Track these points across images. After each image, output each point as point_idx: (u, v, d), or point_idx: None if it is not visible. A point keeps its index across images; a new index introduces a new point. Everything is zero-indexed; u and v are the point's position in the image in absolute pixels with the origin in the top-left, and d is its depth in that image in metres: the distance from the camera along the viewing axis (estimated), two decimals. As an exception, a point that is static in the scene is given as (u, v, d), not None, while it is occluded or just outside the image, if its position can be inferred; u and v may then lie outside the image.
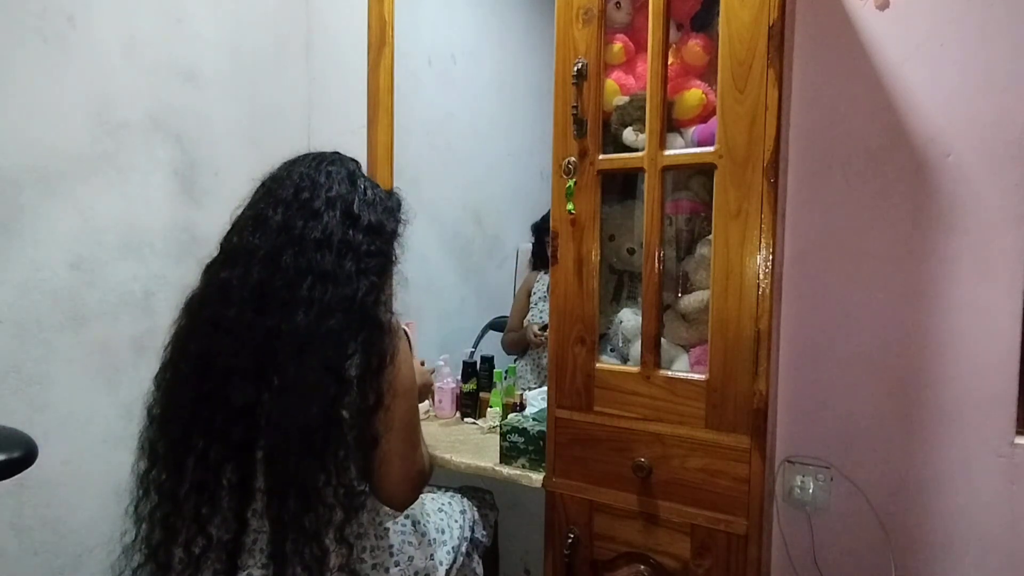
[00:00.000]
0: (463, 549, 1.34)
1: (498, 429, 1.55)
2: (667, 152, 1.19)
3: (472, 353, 1.98)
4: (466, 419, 1.83)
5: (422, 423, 1.21)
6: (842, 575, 1.43)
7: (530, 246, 2.11)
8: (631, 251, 1.37)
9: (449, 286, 2.06)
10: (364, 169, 1.89)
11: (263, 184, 1.13)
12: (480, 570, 1.41)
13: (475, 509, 1.47)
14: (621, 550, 1.24)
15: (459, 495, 1.49)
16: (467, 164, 2.22)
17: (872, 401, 1.39)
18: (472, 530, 1.40)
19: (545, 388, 1.37)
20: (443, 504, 1.40)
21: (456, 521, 1.37)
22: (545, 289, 1.95)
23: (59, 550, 1.49)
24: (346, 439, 1.01)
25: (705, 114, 1.23)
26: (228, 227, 1.12)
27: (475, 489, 1.59)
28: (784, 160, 1.38)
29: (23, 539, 1.43)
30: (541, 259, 2.04)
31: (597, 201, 1.24)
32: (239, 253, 1.05)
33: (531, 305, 2.05)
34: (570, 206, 1.25)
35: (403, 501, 1.15)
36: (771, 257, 1.09)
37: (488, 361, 1.87)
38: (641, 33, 1.25)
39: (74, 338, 1.50)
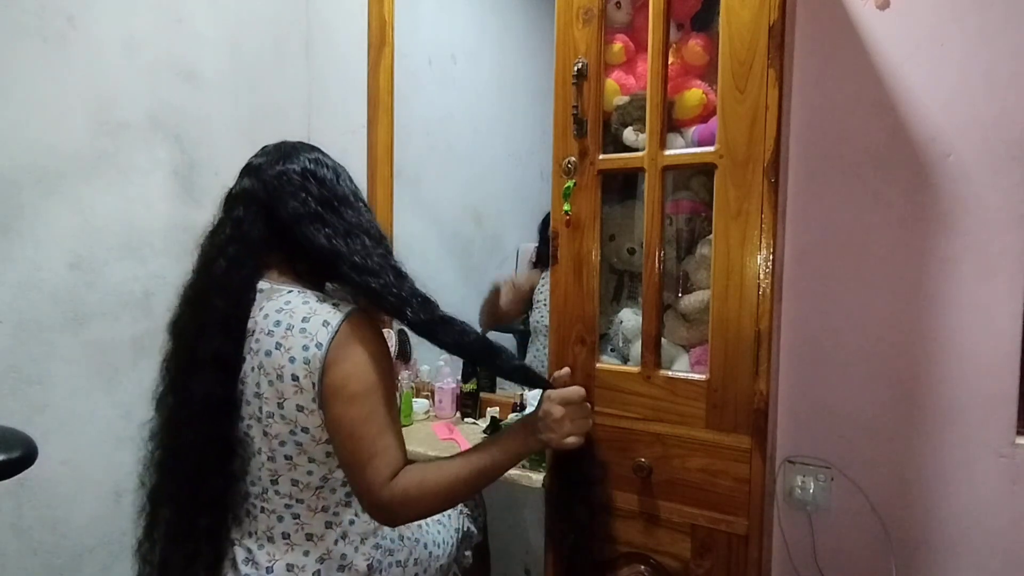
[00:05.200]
0: (455, 539, 1.35)
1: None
2: (667, 152, 1.19)
3: (472, 353, 1.97)
4: (466, 419, 1.83)
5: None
6: (843, 575, 1.43)
7: (530, 246, 2.11)
8: (631, 251, 1.37)
9: (449, 286, 2.05)
10: (364, 169, 1.92)
11: None
12: (469, 562, 1.43)
13: (463, 504, 1.48)
14: (621, 550, 1.24)
15: None
16: (467, 164, 2.22)
17: (873, 401, 1.39)
18: (464, 523, 1.41)
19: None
20: None
21: (447, 513, 1.37)
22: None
23: (59, 550, 1.49)
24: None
25: (705, 114, 1.23)
26: None
27: None
28: (784, 160, 1.38)
29: (23, 539, 1.43)
30: (546, 259, 2.03)
31: (597, 201, 1.23)
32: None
33: (534, 305, 2.04)
34: (566, 207, 1.24)
35: (377, 516, 1.06)
36: (772, 257, 1.09)
37: (488, 361, 1.86)
38: (641, 33, 1.25)
39: (74, 338, 1.50)
